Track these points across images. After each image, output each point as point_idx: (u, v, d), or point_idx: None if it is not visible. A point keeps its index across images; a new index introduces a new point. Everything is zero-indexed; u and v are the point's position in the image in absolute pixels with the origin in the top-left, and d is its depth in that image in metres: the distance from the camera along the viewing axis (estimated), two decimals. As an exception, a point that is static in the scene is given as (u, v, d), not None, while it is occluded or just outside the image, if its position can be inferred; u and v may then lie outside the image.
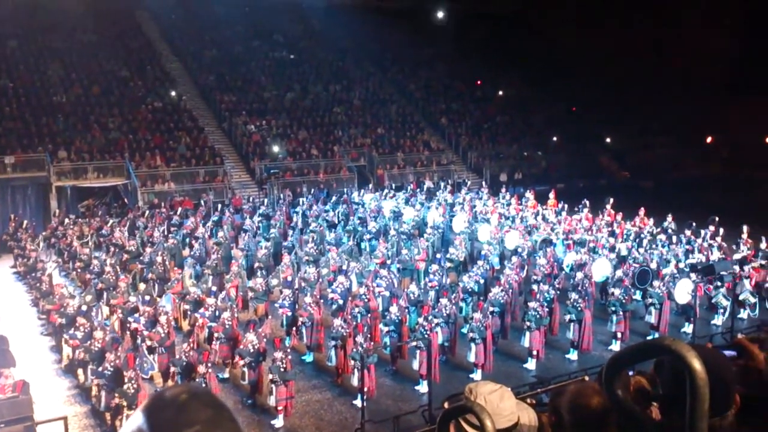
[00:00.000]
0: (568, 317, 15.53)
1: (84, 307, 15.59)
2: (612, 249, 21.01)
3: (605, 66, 42.62)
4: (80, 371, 14.15)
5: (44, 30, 35.53)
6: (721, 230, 22.47)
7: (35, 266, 20.09)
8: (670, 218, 23.93)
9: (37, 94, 32.17)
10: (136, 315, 15.29)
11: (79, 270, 20.18)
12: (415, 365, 14.02)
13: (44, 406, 12.56)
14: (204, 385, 11.90)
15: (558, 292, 16.98)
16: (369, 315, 15.66)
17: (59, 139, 29.65)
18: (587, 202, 26.11)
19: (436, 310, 15.15)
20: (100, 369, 12.64)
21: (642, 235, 22.94)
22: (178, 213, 25.73)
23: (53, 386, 14.30)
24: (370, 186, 32.46)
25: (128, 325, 15.34)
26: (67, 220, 25.08)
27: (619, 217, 25.07)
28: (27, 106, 31.14)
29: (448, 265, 19.93)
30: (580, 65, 43.17)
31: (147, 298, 16.43)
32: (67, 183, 28.50)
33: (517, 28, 47.11)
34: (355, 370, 13.13)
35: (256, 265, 19.53)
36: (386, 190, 30.02)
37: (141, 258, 20.29)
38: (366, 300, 16.13)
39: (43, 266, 19.91)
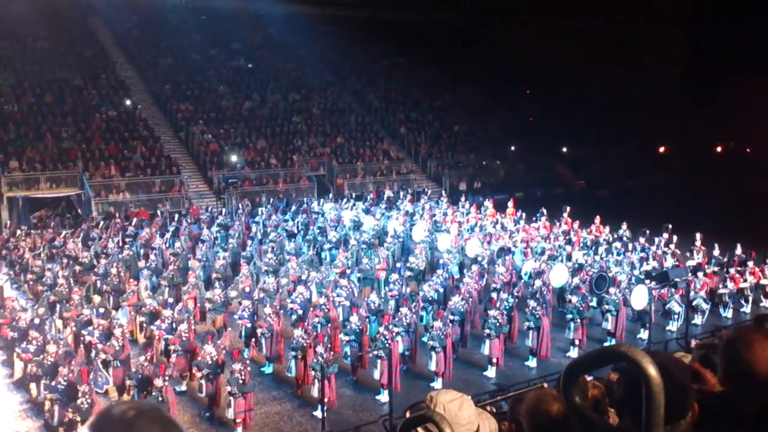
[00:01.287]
0: (526, 325, 15.70)
1: (37, 321, 15.20)
2: (569, 257, 21.34)
3: (561, 76, 43.40)
4: (33, 386, 13.84)
5: (-5, 37, 34.67)
6: (675, 238, 23.03)
7: (-16, 279, 19.48)
8: (624, 226, 24.41)
9: (-14, 102, 31.33)
10: (90, 328, 14.95)
11: (31, 282, 19.67)
12: (376, 375, 14.00)
13: (-6, 422, 12.20)
14: (161, 398, 11.69)
15: (517, 300, 17.15)
16: (329, 325, 15.59)
17: (11, 149, 28.89)
18: (545, 211, 26.48)
19: (397, 319, 15.16)
20: (53, 383, 12.37)
21: (598, 243, 23.36)
22: (134, 223, 25.26)
23: (5, 401, 13.93)
24: (330, 195, 32.39)
25: (82, 338, 14.98)
26: (18, 232, 24.43)
27: (575, 225, 25.48)
28: (-24, 116, 30.30)
29: (408, 274, 19.98)
30: (536, 75, 43.88)
31: (101, 310, 16.08)
32: (19, 193, 27.81)
33: (473, 37, 47.68)
34: (316, 380, 13.04)
35: (214, 276, 19.30)
36: (346, 200, 29.98)
37: (95, 270, 19.83)
38: (326, 310, 16.05)
39: (-8, 279, 19.33)
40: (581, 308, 16.26)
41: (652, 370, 1.64)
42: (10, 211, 27.66)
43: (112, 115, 33.53)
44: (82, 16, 39.73)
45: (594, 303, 18.04)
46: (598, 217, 25.48)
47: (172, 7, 42.56)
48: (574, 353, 15.82)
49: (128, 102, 35.06)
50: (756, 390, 2.16)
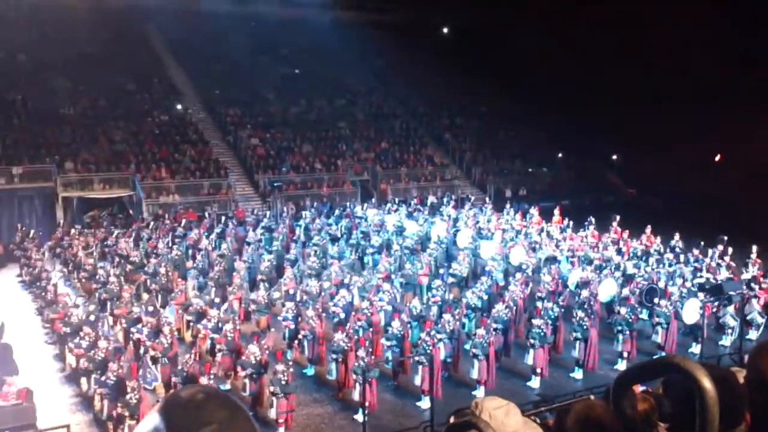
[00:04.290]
0: (573, 335, 15.42)
1: (92, 317, 15.59)
2: (618, 267, 20.90)
3: (612, 82, 42.65)
4: (83, 380, 14.17)
5: (52, 43, 35.72)
6: (730, 249, 22.30)
7: (40, 275, 20.11)
8: (677, 237, 23.75)
9: (44, 106, 32.31)
10: (140, 325, 15.27)
11: (83, 280, 20.20)
12: (417, 381, 13.94)
13: (47, 414, 12.52)
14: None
15: (562, 309, 16.88)
16: (371, 329, 15.60)
17: (66, 151, 29.78)
18: (593, 219, 26.01)
19: (439, 325, 15.08)
20: (103, 378, 12.64)
21: (649, 254, 22.82)
22: (182, 225, 25.76)
23: (56, 394, 14.28)
24: (373, 200, 32.48)
25: (132, 335, 15.31)
26: (72, 231, 25.11)
27: (625, 234, 24.94)
28: (35, 118, 31.28)
29: (451, 280, 19.86)
30: (586, 81, 43.22)
31: (150, 308, 16.39)
32: (73, 194, 28.61)
33: (521, 43, 47.26)
34: (357, 384, 13.05)
35: (259, 277, 19.52)
36: (389, 205, 30.00)
37: (145, 269, 20.28)
38: (368, 314, 16.06)
39: (48, 276, 19.93)
40: (630, 320, 15.88)
41: (707, 383, 1.59)
42: (64, 210, 28.49)
43: (164, 119, 34.32)
44: (137, 23, 40.71)
45: (644, 315, 17.62)
46: (649, 226, 24.87)
47: (224, 14, 43.30)
48: (622, 366, 15.46)
49: (179, 106, 35.81)
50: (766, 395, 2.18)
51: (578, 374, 15.35)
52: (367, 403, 12.24)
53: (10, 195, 27.80)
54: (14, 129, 30.29)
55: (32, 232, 25.24)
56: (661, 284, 18.72)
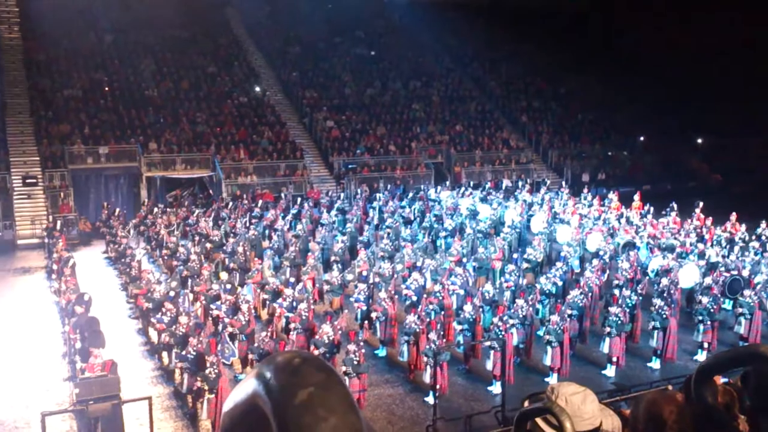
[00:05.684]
0: (651, 324, 14.99)
1: (171, 293, 16.17)
2: (701, 255, 20.14)
3: (696, 63, 40.80)
4: (165, 354, 14.67)
5: (138, 26, 37.01)
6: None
7: (125, 252, 20.91)
8: (764, 225, 22.74)
9: (130, 87, 33.60)
10: (218, 302, 15.72)
11: (165, 257, 20.94)
12: (489, 365, 13.87)
13: (130, 385, 13.05)
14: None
15: (641, 297, 16.42)
16: (442, 313, 15.60)
17: (150, 132, 30.88)
18: (675, 205, 25.13)
19: (512, 310, 14.94)
20: (184, 353, 13.09)
21: (733, 242, 21.91)
22: (259, 205, 26.34)
23: (139, 367, 14.89)
24: (447, 183, 32.29)
25: (211, 311, 15.79)
26: (155, 209, 26.03)
27: (708, 221, 24.01)
28: (121, 99, 32.59)
29: (525, 265, 19.60)
30: (668, 62, 41.49)
31: (228, 286, 16.87)
32: (157, 173, 29.68)
33: (601, 22, 45.73)
34: (428, 366, 13.11)
35: (332, 258, 19.78)
36: (463, 188, 29.78)
37: (224, 248, 20.85)
38: (440, 297, 16.05)
39: (132, 252, 20.69)
40: (712, 310, 15.31)
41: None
42: (148, 190, 29.63)
43: (243, 101, 35.08)
44: (218, 6, 41.67)
45: (727, 305, 16.94)
46: (734, 213, 23.86)
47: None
48: (702, 357, 14.94)
49: (258, 89, 36.51)
50: None
51: (656, 364, 14.94)
52: (438, 386, 12.30)
53: (97, 174, 29.13)
54: (101, 110, 31.60)
55: (117, 210, 26.24)
56: (746, 273, 17.94)
